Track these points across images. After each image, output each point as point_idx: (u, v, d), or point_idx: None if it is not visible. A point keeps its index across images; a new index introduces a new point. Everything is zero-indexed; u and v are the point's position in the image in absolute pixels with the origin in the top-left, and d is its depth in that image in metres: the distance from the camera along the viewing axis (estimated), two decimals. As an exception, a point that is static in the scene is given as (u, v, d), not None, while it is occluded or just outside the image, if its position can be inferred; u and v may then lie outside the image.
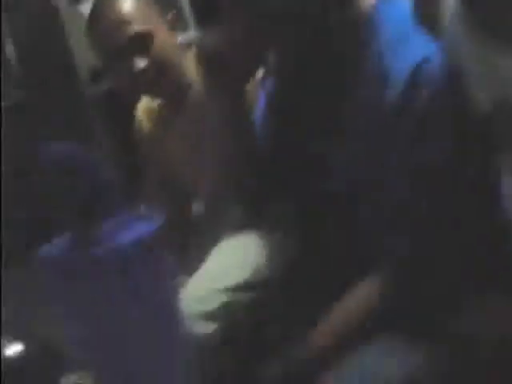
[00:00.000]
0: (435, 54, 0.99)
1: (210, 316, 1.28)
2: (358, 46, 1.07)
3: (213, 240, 1.48)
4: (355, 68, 1.07)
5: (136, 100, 1.75)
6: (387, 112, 1.01)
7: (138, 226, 0.96)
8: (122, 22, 1.53)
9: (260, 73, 1.34)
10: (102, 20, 1.55)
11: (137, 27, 1.53)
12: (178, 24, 1.65)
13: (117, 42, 1.53)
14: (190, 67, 1.59)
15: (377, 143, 1.04)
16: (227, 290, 1.30)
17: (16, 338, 1.26)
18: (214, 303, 1.29)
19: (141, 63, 1.53)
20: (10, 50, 3.47)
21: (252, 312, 1.28)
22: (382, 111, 1.02)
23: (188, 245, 1.71)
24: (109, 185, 1.01)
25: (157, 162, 1.76)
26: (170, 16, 1.63)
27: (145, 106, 1.75)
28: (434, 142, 0.99)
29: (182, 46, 1.67)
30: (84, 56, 3.12)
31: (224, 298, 1.29)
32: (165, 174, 1.75)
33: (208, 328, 1.27)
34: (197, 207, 1.78)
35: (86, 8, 2.50)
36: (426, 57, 0.99)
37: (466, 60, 0.90)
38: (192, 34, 3.08)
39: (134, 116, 1.78)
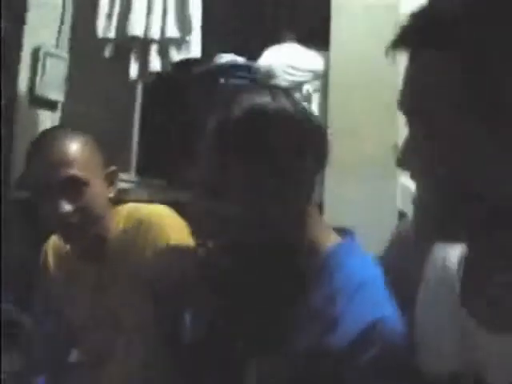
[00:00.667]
0: (392, 317, 1.00)
1: None
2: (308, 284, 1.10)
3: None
4: (304, 302, 1.09)
5: (51, 234, 1.78)
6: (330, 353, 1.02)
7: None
8: (62, 162, 1.52)
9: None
10: (44, 154, 1.54)
11: (73, 171, 1.53)
12: (115, 180, 1.65)
13: (49, 180, 1.52)
14: (115, 223, 1.63)
15: None
16: None
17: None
18: None
19: (66, 207, 1.53)
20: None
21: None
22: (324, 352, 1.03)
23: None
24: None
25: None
26: (109, 170, 1.63)
27: (54, 242, 1.78)
28: None
29: (116, 195, 1.69)
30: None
31: None
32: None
33: None
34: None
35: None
36: (384, 316, 0.99)
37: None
38: (132, 177, 3.21)
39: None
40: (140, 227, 1.60)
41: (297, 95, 2.44)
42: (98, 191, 1.60)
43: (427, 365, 0.90)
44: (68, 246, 1.73)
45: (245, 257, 1.13)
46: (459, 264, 0.90)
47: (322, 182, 2.21)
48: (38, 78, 3.06)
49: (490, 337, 0.81)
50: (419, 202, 0.83)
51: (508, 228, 0.78)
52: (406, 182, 2.16)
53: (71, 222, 1.55)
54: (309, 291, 1.09)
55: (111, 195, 1.65)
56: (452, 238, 0.85)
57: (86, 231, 1.59)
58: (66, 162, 1.53)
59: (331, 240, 1.15)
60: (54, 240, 1.78)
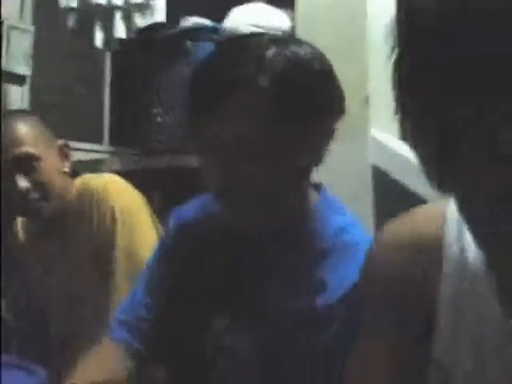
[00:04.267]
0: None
1: None
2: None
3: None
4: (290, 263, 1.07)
5: (15, 215, 1.87)
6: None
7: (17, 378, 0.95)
8: (12, 142, 1.62)
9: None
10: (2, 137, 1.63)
11: (23, 149, 1.62)
12: (67, 152, 1.74)
13: (4, 160, 1.62)
14: (72, 196, 1.70)
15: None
16: None
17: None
18: None
19: (23, 183, 1.60)
20: None
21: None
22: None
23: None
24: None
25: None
26: (58, 143, 1.72)
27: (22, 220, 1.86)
28: None
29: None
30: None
31: None
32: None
33: None
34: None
35: None
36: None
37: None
38: (104, 147, 3.22)
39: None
40: (92, 199, 1.66)
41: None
42: (52, 165, 1.67)
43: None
44: (32, 223, 1.74)
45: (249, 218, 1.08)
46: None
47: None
48: (3, 53, 3.01)
49: None
50: None
51: None
52: (377, 135, 2.16)
53: (29, 197, 1.62)
54: (295, 252, 1.08)
55: (66, 169, 1.71)
56: None
57: (45, 206, 1.65)
58: (17, 141, 1.62)
59: (314, 194, 1.14)
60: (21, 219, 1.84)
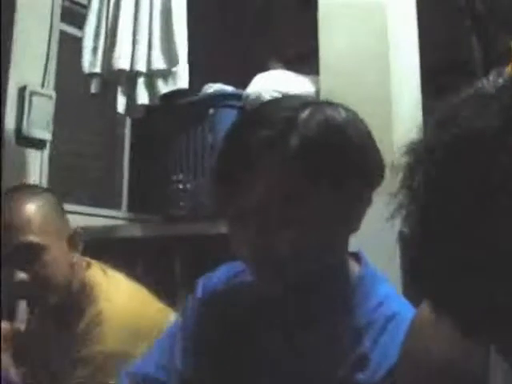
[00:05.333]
0: None
1: None
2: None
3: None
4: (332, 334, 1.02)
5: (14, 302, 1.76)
6: None
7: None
8: (17, 227, 1.44)
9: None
10: (1, 218, 1.46)
11: (26, 238, 1.44)
12: (78, 243, 1.55)
13: (5, 247, 1.44)
14: (84, 285, 1.52)
15: None
16: None
17: None
18: None
19: (21, 275, 1.43)
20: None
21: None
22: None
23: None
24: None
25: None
26: (69, 231, 1.54)
27: None
28: None
29: (81, 263, 1.58)
30: None
31: None
32: None
33: None
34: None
35: None
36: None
37: None
38: (122, 213, 3.18)
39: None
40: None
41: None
42: (58, 257, 1.48)
43: None
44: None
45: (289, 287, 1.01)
46: None
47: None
48: (24, 118, 3.02)
49: None
50: None
51: None
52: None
53: (28, 291, 1.47)
54: (338, 322, 1.01)
55: (74, 260, 1.53)
56: None
57: (46, 300, 1.49)
58: (21, 227, 1.44)
59: (355, 265, 1.08)
60: None
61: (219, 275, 1.17)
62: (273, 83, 2.58)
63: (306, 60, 2.65)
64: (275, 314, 1.06)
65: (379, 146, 1.03)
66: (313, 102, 1.02)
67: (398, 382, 0.87)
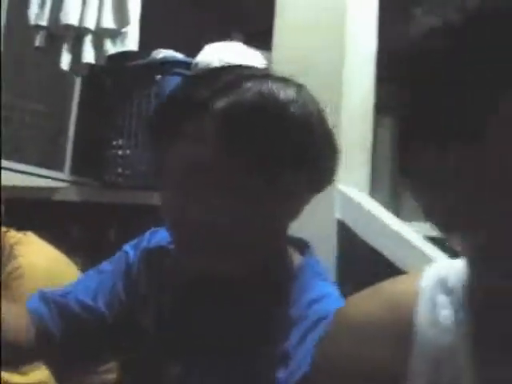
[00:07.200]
0: None
1: None
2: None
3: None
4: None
5: None
6: None
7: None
8: None
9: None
10: None
11: None
12: None
13: None
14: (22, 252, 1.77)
15: None
16: None
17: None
18: None
19: None
20: None
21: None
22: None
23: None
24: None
25: None
26: None
27: None
28: None
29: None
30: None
31: None
32: None
33: None
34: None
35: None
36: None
37: None
38: (65, 175, 3.14)
39: None
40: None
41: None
42: None
43: None
44: None
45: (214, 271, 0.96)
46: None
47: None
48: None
49: None
50: None
51: None
52: (345, 189, 2.06)
53: None
54: (265, 313, 0.95)
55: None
56: None
57: None
58: None
59: (296, 255, 1.01)
60: None
61: (164, 234, 1.10)
62: (223, 54, 2.50)
63: (267, 36, 2.57)
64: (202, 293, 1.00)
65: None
66: (261, 74, 0.95)
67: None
